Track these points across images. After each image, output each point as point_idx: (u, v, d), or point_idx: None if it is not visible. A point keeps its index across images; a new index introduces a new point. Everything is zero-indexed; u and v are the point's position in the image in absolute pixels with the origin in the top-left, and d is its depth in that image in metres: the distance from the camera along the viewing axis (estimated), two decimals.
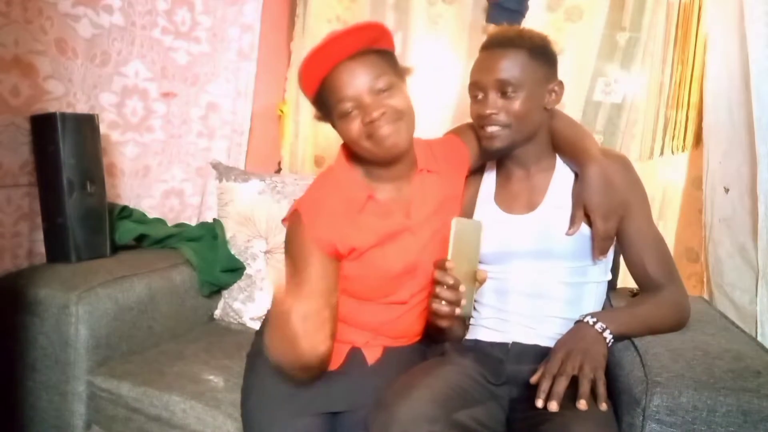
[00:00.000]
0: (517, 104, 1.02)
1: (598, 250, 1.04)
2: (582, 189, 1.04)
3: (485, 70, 1.03)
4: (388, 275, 1.06)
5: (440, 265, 0.96)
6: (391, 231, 1.05)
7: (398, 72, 1.01)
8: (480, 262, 1.19)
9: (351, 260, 1.04)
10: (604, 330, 0.95)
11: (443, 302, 0.94)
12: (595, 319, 0.97)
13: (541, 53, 1.04)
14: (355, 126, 0.96)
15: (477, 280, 1.02)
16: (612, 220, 1.03)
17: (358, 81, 0.95)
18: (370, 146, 0.98)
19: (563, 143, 1.10)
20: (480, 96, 1.05)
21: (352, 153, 1.06)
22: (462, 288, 0.95)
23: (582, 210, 1.04)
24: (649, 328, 0.99)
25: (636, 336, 0.98)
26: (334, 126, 1.03)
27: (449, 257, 0.96)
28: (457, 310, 0.95)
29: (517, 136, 1.05)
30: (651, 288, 1.05)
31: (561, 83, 1.08)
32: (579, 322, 0.99)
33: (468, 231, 0.98)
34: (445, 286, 0.94)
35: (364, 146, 0.98)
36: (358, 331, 1.10)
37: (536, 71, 1.03)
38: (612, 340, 0.95)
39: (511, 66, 1.01)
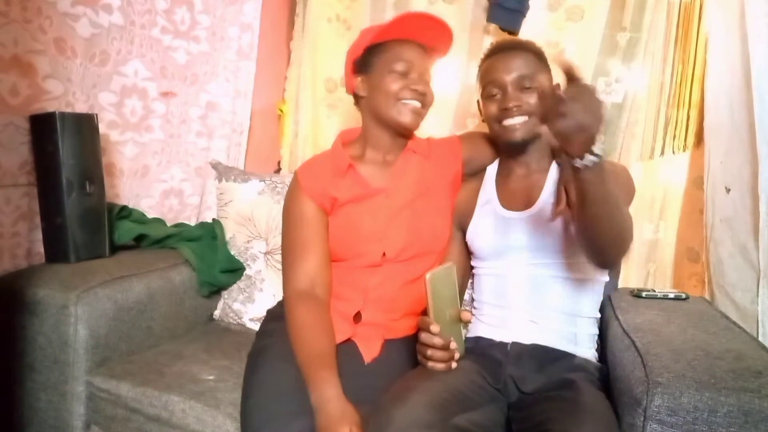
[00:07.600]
0: (535, 97, 1.10)
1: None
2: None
3: (503, 69, 1.12)
4: (357, 232, 1.17)
5: (425, 327, 0.98)
6: (368, 191, 1.20)
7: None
8: (480, 258, 1.20)
9: (332, 216, 1.19)
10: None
11: (437, 362, 0.98)
12: None
13: (544, 59, 1.16)
14: (399, 84, 1.17)
15: (462, 320, 1.04)
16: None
17: (420, 60, 1.20)
18: (394, 104, 1.17)
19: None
20: (498, 94, 1.13)
21: (346, 141, 1.28)
22: (453, 344, 0.99)
23: (563, 188, 1.07)
24: (610, 204, 0.88)
25: (597, 197, 0.87)
26: (368, 80, 1.21)
27: (431, 315, 0.97)
28: (453, 364, 0.99)
29: (535, 128, 1.12)
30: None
31: (558, 85, 1.12)
32: None
33: (442, 279, 1.00)
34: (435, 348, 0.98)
35: (391, 101, 1.17)
36: (349, 302, 1.15)
37: (544, 72, 1.15)
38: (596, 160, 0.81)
39: (525, 64, 1.12)
